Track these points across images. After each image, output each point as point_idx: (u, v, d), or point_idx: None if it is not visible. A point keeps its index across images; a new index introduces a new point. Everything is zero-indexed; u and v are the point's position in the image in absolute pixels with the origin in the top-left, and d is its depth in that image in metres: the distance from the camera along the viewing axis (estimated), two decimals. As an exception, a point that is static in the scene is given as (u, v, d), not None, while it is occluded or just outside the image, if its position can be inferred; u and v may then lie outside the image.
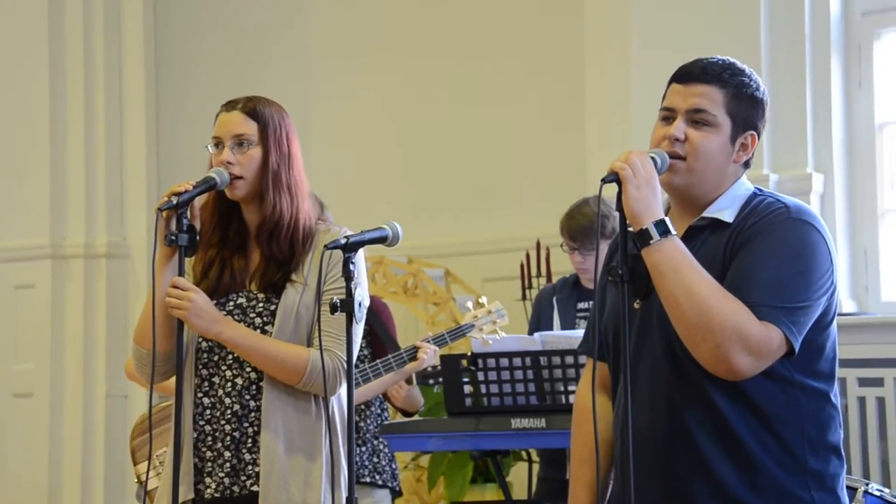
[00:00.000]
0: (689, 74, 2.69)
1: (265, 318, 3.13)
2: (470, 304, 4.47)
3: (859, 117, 5.32)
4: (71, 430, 6.82)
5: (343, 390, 3.16)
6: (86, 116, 6.91)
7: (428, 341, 4.36)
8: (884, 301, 5.28)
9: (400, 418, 4.68)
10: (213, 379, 3.15)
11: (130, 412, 6.84)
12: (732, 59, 2.73)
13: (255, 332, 3.11)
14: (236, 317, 3.14)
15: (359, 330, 3.10)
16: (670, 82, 2.72)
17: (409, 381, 4.50)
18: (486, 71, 6.64)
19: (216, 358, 3.15)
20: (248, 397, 3.12)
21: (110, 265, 6.94)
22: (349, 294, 2.92)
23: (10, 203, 6.99)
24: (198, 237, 3.12)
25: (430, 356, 4.32)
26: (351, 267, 2.93)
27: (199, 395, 3.16)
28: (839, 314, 2.73)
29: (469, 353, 4.35)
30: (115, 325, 6.88)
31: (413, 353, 4.32)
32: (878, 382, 4.98)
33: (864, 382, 5.00)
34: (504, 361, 4.27)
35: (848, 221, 5.31)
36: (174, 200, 3.06)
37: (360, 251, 3.06)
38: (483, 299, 4.45)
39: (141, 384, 3.35)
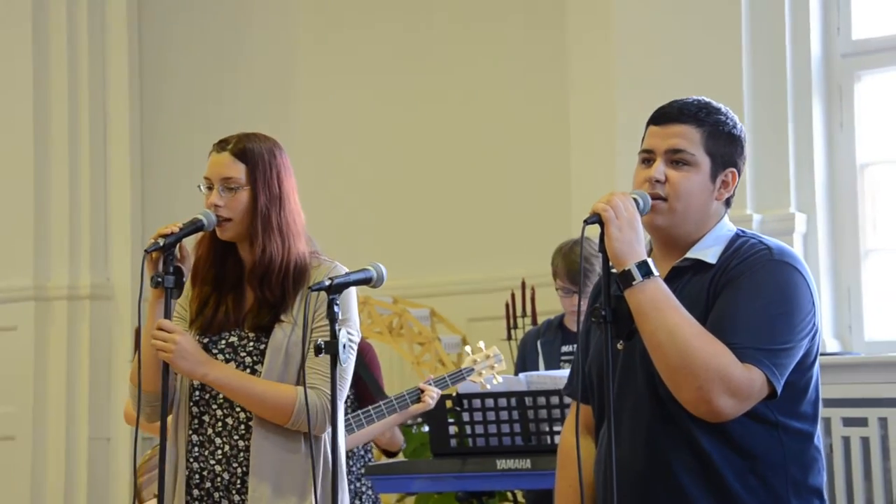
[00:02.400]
0: (665, 116, 2.71)
1: (255, 357, 3.13)
2: (469, 350, 4.48)
3: (841, 158, 5.35)
4: (53, 473, 6.77)
5: (332, 429, 3.15)
6: (70, 157, 6.91)
7: (429, 383, 4.37)
8: (867, 340, 5.29)
9: (384, 459, 4.66)
10: (204, 417, 3.15)
11: (113, 455, 6.80)
12: (708, 99, 2.74)
13: (241, 373, 3.11)
14: (228, 355, 3.14)
15: (348, 369, 3.10)
16: (648, 125, 2.74)
17: None
18: (471, 112, 6.66)
19: (207, 397, 3.16)
20: (237, 437, 3.12)
21: (94, 307, 6.91)
22: (333, 336, 2.92)
23: (-6, 245, 6.97)
24: (184, 279, 3.13)
25: (434, 399, 4.34)
26: (335, 308, 2.92)
27: (189, 432, 3.15)
28: (823, 354, 2.73)
29: (454, 394, 4.34)
30: (98, 367, 6.84)
31: (417, 396, 4.33)
32: (863, 422, 4.99)
33: (848, 422, 5.00)
34: (489, 402, 4.27)
35: (831, 261, 5.33)
36: (161, 242, 3.08)
37: (353, 289, 3.06)
38: (481, 344, 4.48)
39: (142, 427, 3.35)
